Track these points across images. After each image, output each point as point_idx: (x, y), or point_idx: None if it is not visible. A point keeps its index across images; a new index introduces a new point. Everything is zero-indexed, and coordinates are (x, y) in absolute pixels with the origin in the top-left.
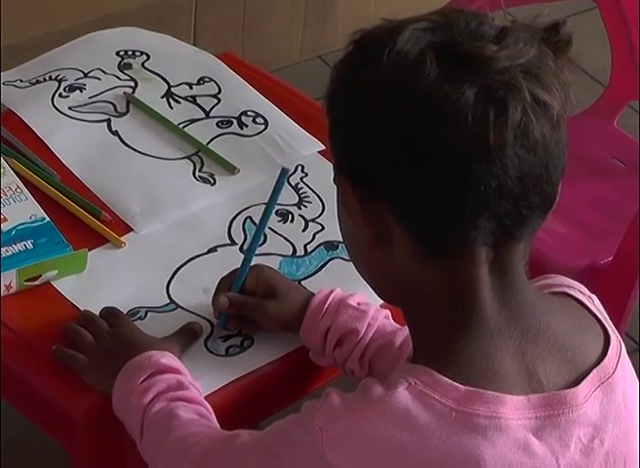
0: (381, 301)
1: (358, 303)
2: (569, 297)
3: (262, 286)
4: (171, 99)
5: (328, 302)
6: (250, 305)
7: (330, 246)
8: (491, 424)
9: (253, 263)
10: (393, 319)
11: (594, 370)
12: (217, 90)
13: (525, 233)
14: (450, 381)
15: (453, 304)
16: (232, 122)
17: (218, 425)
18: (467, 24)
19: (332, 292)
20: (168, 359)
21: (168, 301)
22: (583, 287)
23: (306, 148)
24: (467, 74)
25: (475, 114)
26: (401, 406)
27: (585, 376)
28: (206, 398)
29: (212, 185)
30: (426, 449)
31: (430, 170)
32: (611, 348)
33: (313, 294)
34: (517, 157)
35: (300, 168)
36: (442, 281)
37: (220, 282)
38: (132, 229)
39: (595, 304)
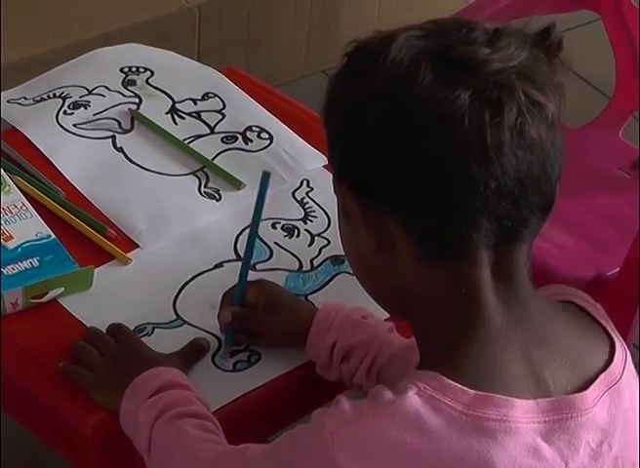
0: (387, 315)
1: (363, 317)
2: (573, 305)
3: (264, 299)
4: (175, 115)
5: (333, 316)
6: (251, 318)
7: (336, 260)
8: (501, 427)
9: (258, 279)
10: (398, 332)
11: (602, 375)
12: (221, 105)
13: (526, 234)
14: (459, 386)
15: (457, 308)
16: (237, 137)
17: (225, 441)
18: (459, 31)
19: (336, 305)
20: (175, 375)
21: (175, 317)
22: (588, 296)
23: (312, 163)
24: (462, 77)
25: (471, 115)
26: (411, 410)
27: (592, 381)
28: (213, 413)
29: (217, 201)
30: (437, 453)
31: (430, 172)
32: (617, 354)
33: (317, 308)
34: (515, 157)
35: (305, 182)
36: (446, 285)
37: (223, 297)
38: (138, 246)
39: (600, 312)
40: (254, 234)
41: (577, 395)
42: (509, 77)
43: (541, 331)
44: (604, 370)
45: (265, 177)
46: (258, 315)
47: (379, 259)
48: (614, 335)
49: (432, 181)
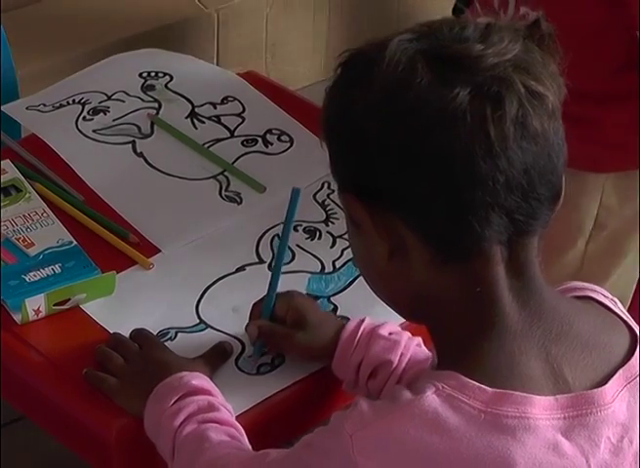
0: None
1: (389, 333)
2: (592, 301)
3: (293, 314)
4: (195, 120)
5: (359, 335)
6: (279, 334)
7: None
8: (520, 424)
9: (281, 283)
10: (425, 346)
11: (620, 370)
12: (241, 109)
13: (536, 227)
14: (477, 384)
15: (474, 308)
16: (257, 140)
17: (249, 446)
18: (451, 30)
19: (361, 322)
20: (199, 380)
21: (197, 321)
22: (605, 291)
23: None
24: (459, 75)
25: (473, 112)
26: (430, 409)
27: (611, 376)
28: (238, 417)
29: (238, 204)
30: (457, 451)
31: (437, 173)
32: (638, 349)
33: (343, 324)
34: (520, 149)
35: (326, 185)
36: (461, 285)
37: (252, 308)
38: (159, 250)
39: (619, 306)
40: (282, 252)
41: (595, 390)
42: (506, 70)
43: (558, 327)
44: (624, 365)
45: (295, 195)
46: (284, 332)
47: (392, 265)
48: (635, 328)
49: (440, 181)
